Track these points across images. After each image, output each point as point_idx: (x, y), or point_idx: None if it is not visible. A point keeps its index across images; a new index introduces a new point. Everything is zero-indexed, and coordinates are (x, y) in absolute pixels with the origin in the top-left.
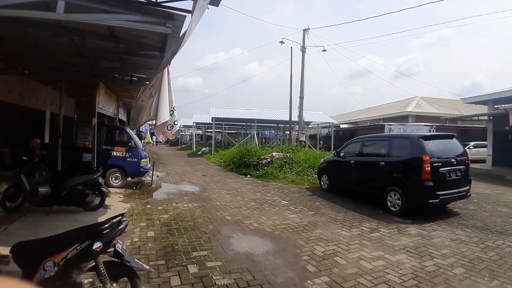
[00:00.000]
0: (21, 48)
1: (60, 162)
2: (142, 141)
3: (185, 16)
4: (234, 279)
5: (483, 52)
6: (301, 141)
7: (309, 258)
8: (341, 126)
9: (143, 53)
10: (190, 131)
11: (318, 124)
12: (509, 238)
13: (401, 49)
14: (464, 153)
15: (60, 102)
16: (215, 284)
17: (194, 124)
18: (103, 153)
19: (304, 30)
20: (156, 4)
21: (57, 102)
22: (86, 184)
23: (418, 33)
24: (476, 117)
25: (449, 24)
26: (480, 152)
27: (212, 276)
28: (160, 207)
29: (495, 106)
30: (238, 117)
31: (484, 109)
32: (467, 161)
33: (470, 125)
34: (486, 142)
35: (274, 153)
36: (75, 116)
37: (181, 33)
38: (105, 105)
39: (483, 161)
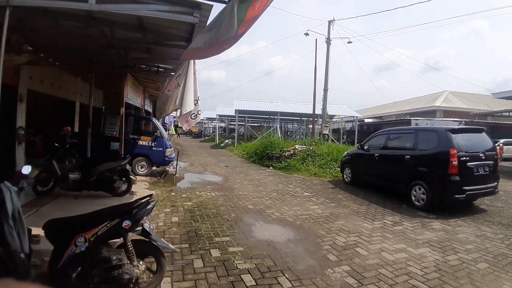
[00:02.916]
0: (52, 40)
1: (89, 150)
2: (167, 132)
3: (212, 6)
4: (255, 264)
5: None
6: (324, 134)
7: (330, 247)
8: (366, 120)
9: (170, 43)
10: (213, 124)
11: (342, 118)
12: None
13: (431, 42)
14: (493, 148)
15: (90, 92)
16: (237, 268)
17: (218, 116)
18: (130, 142)
19: (330, 22)
20: None
21: (87, 93)
22: (114, 171)
23: (449, 24)
24: (507, 113)
25: (482, 15)
26: (510, 150)
27: (234, 261)
28: (184, 195)
29: None
30: (261, 110)
31: None
32: (496, 156)
33: (500, 122)
34: None
35: (296, 146)
36: (103, 107)
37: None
38: (133, 96)
39: (506, 159)
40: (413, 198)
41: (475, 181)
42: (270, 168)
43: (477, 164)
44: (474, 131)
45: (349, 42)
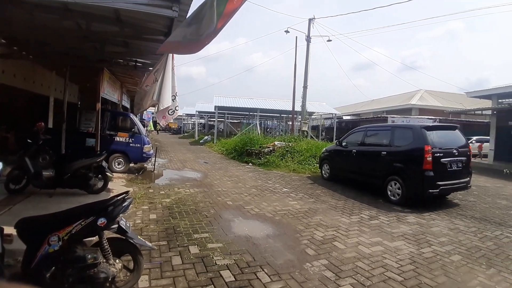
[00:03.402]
0: (26, 32)
1: (63, 146)
2: (145, 128)
3: (192, 0)
4: (234, 259)
5: (490, 47)
6: (304, 131)
7: (309, 242)
8: (344, 117)
9: (148, 38)
10: (192, 120)
11: (321, 114)
12: (507, 229)
13: (408, 42)
14: (466, 145)
15: (64, 87)
16: (216, 264)
17: (197, 112)
18: (106, 138)
19: (310, 20)
20: None
21: (61, 88)
22: (90, 168)
23: (426, 25)
24: (480, 112)
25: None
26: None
27: (212, 257)
28: (162, 192)
29: (500, 101)
30: (241, 106)
31: (488, 103)
32: (468, 153)
33: (473, 120)
34: (488, 137)
35: (276, 142)
36: (79, 103)
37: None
38: (109, 91)
39: (485, 155)
40: (389, 193)
41: (449, 177)
42: (250, 164)
43: (451, 160)
44: (447, 129)
45: (329, 41)
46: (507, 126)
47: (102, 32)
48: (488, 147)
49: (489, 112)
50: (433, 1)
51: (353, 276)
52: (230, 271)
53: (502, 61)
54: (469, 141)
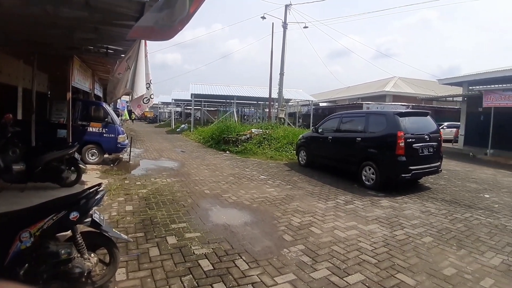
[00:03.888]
0: None
1: (33, 138)
2: (120, 117)
3: None
4: (212, 248)
5: (462, 35)
6: (280, 118)
7: (286, 228)
8: (321, 104)
9: (119, 23)
10: (168, 108)
11: (297, 101)
12: (476, 211)
13: (383, 30)
14: (437, 130)
15: (32, 77)
16: (194, 253)
17: (173, 101)
18: (79, 129)
19: (286, 6)
20: None
21: (30, 78)
22: (62, 160)
23: (400, 12)
24: (451, 98)
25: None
26: (453, 132)
27: (190, 247)
28: (138, 183)
29: (470, 88)
30: (217, 94)
31: (459, 90)
32: (439, 138)
33: (445, 106)
34: (459, 123)
35: (253, 130)
36: (49, 92)
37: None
38: (80, 80)
39: (456, 140)
40: (363, 178)
41: (420, 161)
42: (227, 152)
43: (422, 145)
44: (419, 115)
45: (305, 27)
46: (477, 112)
47: (70, 18)
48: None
49: (460, 98)
50: None
51: (329, 260)
52: (209, 260)
53: (473, 49)
54: (440, 127)
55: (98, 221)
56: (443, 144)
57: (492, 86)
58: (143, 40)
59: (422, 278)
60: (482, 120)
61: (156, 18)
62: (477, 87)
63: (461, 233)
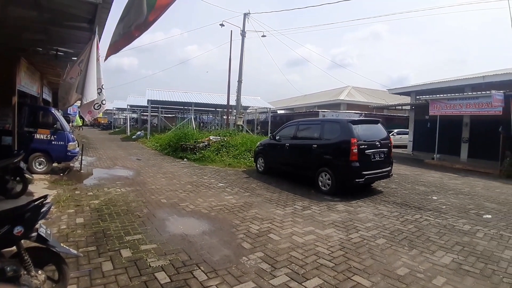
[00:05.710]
0: None
1: None
2: (70, 124)
3: None
4: (169, 260)
5: (410, 48)
6: (239, 125)
7: (245, 236)
8: (279, 111)
9: (70, 25)
10: (124, 115)
11: (256, 109)
12: (426, 212)
13: (337, 41)
14: (387, 137)
15: None
16: (150, 266)
17: (129, 107)
18: (25, 136)
19: (245, 14)
20: None
21: None
22: (6, 170)
23: (353, 26)
24: (400, 107)
25: (381, 19)
26: (402, 138)
27: (146, 259)
28: (90, 193)
29: (417, 97)
30: (175, 100)
31: (407, 99)
32: (389, 144)
33: (394, 114)
34: (408, 130)
35: (211, 137)
36: None
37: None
38: (28, 83)
39: (405, 146)
40: (320, 183)
41: (373, 166)
42: (185, 160)
43: (374, 151)
44: (371, 122)
45: (263, 36)
46: (424, 120)
47: (18, 17)
48: (407, 138)
49: (408, 107)
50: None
51: (288, 266)
52: (165, 272)
53: (420, 61)
54: (390, 134)
55: (44, 235)
56: (394, 150)
57: (437, 95)
58: (95, 43)
59: (377, 279)
60: (428, 127)
61: (118, 30)
62: (424, 96)
63: (412, 234)
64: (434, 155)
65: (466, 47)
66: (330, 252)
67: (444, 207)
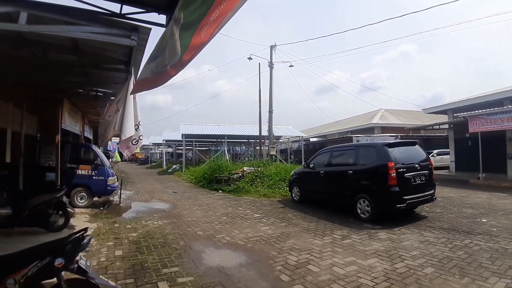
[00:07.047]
0: None
1: (21, 182)
2: (110, 160)
3: (151, 29)
4: None
5: (442, 65)
6: (272, 155)
7: (283, 267)
8: (311, 139)
9: (107, 67)
10: (160, 149)
11: (288, 138)
12: (476, 237)
13: (366, 65)
14: (427, 159)
15: (21, 119)
16: None
17: (164, 141)
18: (68, 172)
19: (272, 47)
20: (121, 16)
21: (19, 120)
22: (49, 204)
23: (381, 48)
24: (438, 126)
25: (409, 39)
26: (443, 159)
27: None
28: (129, 226)
29: (455, 115)
30: (208, 133)
31: (444, 118)
32: (430, 166)
33: (432, 134)
34: (448, 150)
35: (245, 168)
36: (38, 135)
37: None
38: (71, 122)
39: (446, 167)
40: (358, 211)
41: (414, 190)
42: (219, 191)
43: (414, 174)
44: (408, 144)
45: (291, 66)
46: (464, 138)
47: (59, 62)
48: (449, 159)
49: (446, 126)
50: (384, 25)
51: None
52: None
53: (452, 77)
54: (430, 155)
55: (84, 267)
56: (435, 172)
57: (476, 111)
58: (131, 82)
59: None
60: (470, 145)
61: (151, 68)
62: (461, 113)
63: (462, 261)
64: (479, 175)
65: (499, 58)
66: (374, 284)
67: (495, 229)
